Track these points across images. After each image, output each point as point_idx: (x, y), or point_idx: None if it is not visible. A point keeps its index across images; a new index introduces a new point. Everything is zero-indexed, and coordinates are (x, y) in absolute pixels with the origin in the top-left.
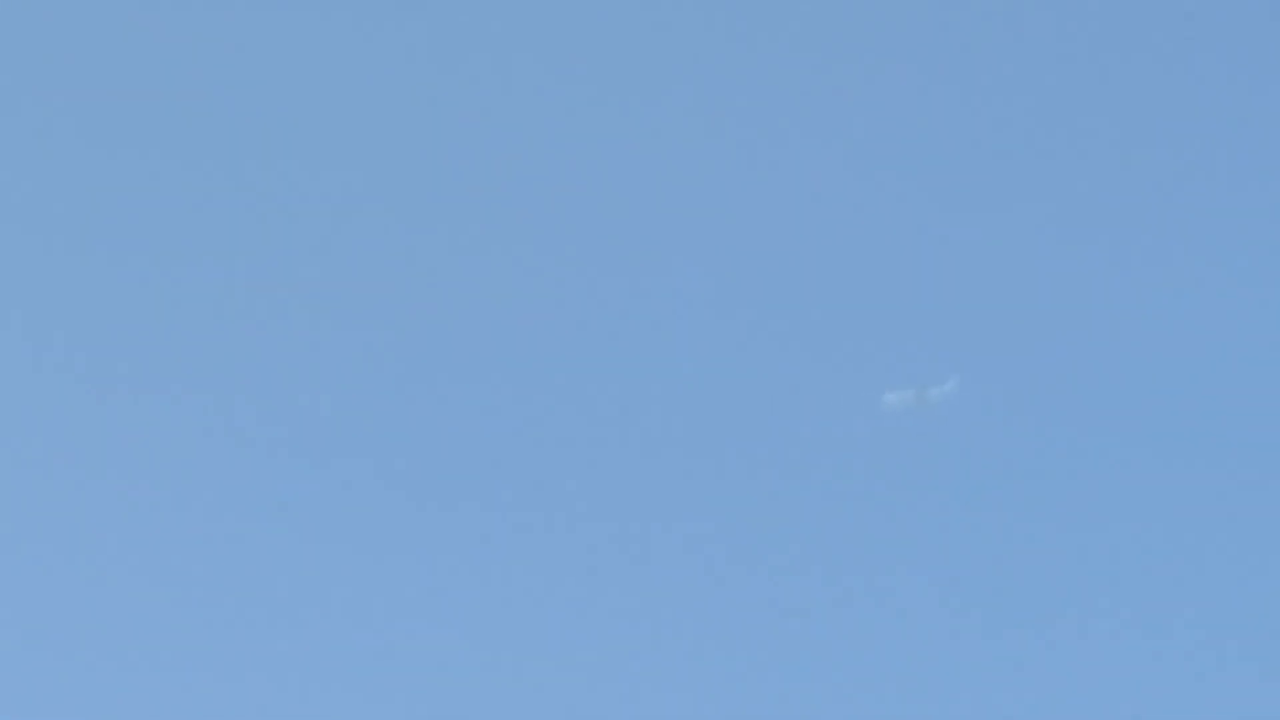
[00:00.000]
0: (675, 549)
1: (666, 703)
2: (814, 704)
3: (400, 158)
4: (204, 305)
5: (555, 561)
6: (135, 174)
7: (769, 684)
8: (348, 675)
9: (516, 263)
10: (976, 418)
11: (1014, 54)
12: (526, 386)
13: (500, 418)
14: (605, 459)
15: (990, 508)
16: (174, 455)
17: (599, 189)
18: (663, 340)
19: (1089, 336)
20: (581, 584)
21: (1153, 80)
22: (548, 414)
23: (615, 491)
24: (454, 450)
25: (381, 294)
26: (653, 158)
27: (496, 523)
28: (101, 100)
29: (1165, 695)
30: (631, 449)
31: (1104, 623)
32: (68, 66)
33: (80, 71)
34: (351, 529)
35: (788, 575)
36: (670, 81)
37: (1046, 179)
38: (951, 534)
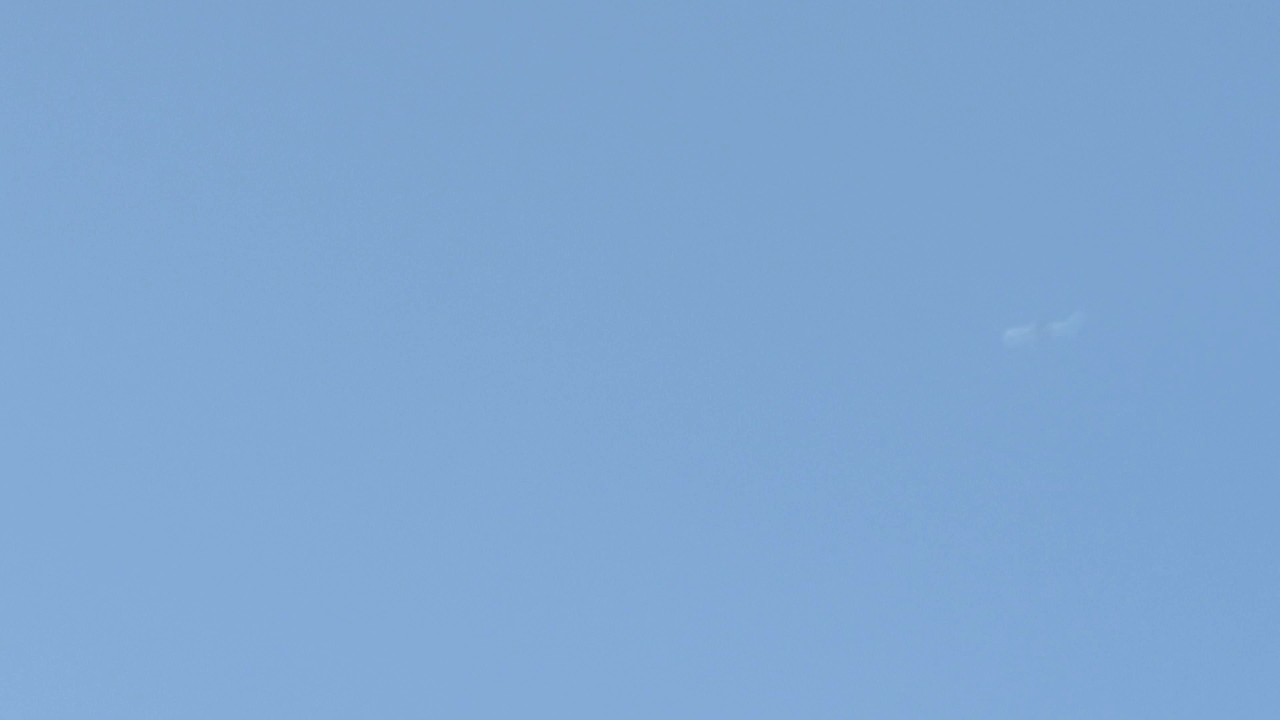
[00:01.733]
0: (793, 484)
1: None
2: (921, 633)
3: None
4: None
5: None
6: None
7: (889, 618)
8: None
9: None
10: (1101, 354)
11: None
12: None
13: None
14: (711, 402)
15: (1114, 448)
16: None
17: (740, 145)
18: (780, 279)
19: (1221, 268)
20: (695, 540)
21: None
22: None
23: (723, 436)
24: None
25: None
26: (786, 103)
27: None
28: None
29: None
30: (748, 387)
31: (1235, 564)
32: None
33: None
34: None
35: (911, 514)
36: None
37: (1176, 112)
38: (1072, 475)
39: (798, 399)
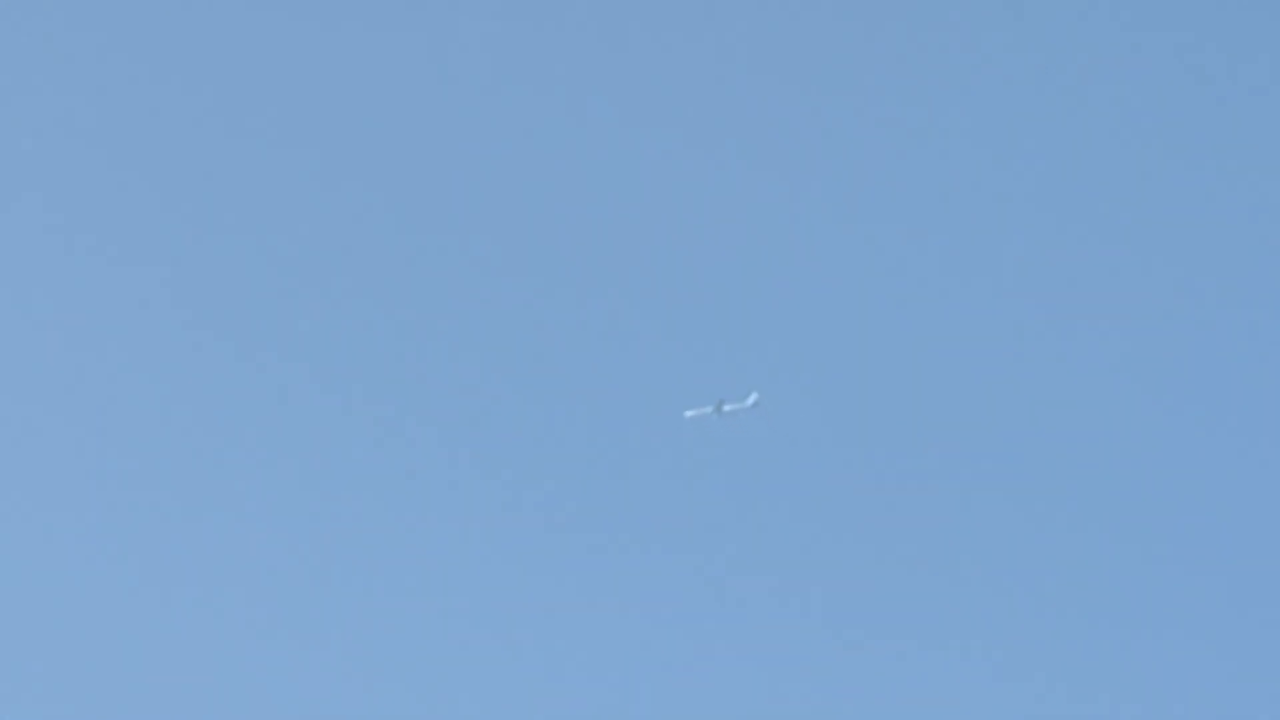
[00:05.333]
0: (505, 538)
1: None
2: (609, 691)
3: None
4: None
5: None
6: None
7: (574, 670)
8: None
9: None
10: (775, 432)
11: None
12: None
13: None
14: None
15: (781, 515)
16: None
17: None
18: (480, 353)
19: (889, 348)
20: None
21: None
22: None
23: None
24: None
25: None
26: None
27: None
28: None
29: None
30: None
31: (912, 626)
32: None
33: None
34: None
35: (589, 573)
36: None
37: (849, 192)
38: (747, 543)
39: (509, 469)
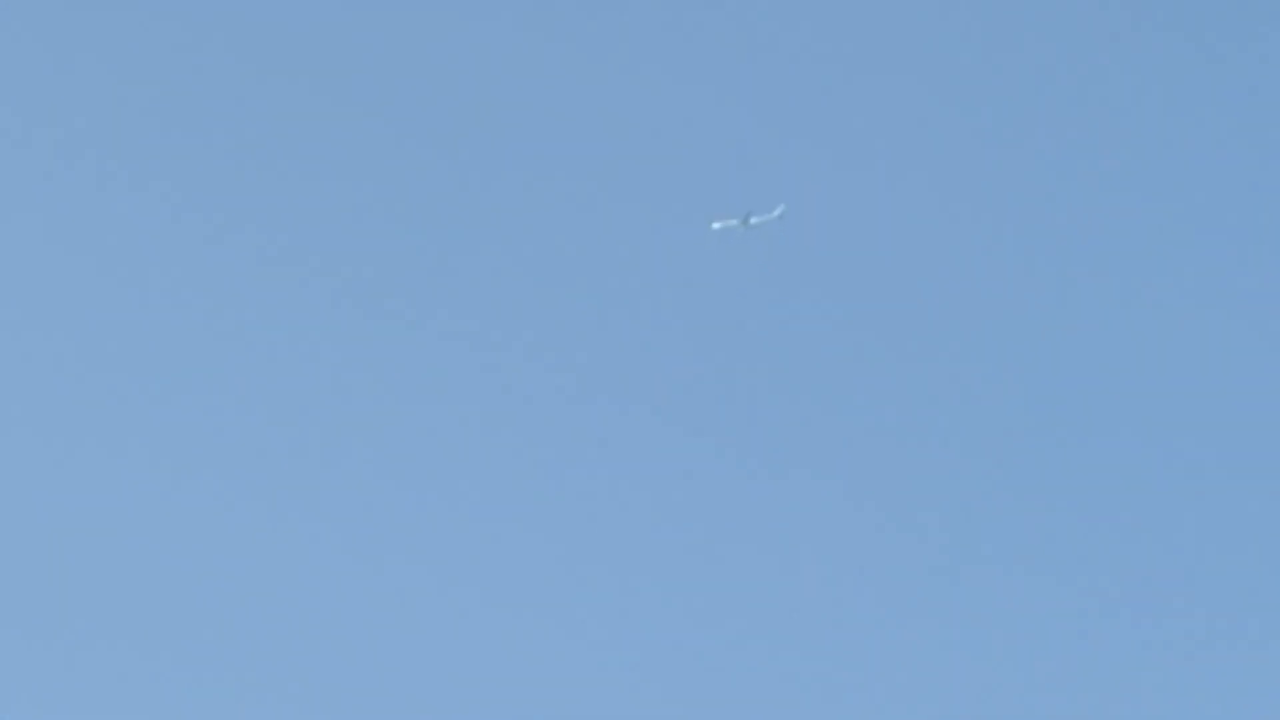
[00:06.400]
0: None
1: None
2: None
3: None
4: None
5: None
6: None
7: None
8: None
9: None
10: (800, 244)
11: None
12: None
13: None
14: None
15: (802, 323)
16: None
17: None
18: (514, 173)
19: (914, 159)
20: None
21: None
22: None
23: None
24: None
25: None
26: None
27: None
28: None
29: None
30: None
31: (936, 437)
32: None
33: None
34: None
35: (620, 392)
36: None
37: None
38: (771, 355)
39: (534, 278)
